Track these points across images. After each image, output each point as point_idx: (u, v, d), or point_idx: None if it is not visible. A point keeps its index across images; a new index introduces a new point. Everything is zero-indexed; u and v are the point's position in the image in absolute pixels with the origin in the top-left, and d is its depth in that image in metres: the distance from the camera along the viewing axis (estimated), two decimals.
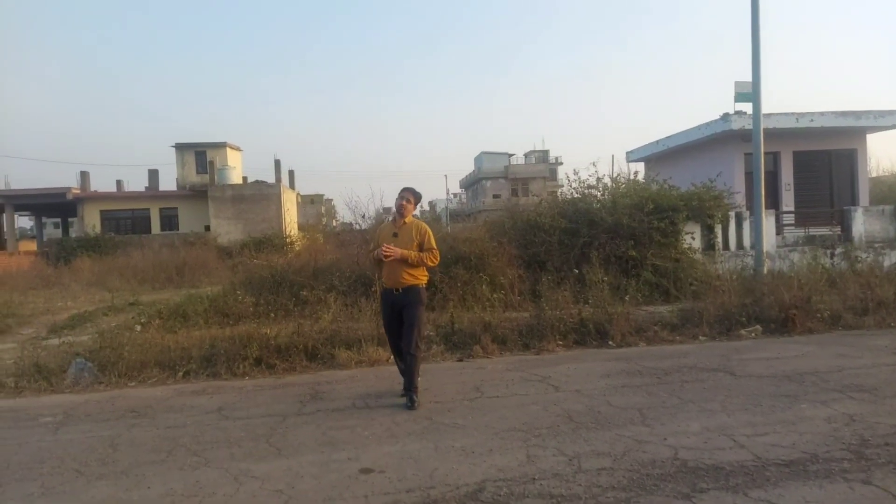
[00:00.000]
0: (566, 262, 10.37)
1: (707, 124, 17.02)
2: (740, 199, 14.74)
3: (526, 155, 63.67)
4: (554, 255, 10.54)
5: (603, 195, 11.96)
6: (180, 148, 33.74)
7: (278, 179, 34.16)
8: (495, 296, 8.95)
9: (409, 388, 5.18)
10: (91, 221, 31.00)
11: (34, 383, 6.32)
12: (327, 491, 3.47)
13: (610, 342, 7.51)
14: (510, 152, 61.73)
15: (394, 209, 5.52)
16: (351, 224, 17.63)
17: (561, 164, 65.18)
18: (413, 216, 5.53)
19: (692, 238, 11.66)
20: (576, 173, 12.49)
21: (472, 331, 7.52)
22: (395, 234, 5.30)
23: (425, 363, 6.78)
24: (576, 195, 12.31)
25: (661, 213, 10.96)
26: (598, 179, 12.22)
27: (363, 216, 13.22)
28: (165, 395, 5.87)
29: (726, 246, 12.74)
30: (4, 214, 33.36)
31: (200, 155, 33.51)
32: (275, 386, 6.11)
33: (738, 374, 5.93)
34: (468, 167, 68.86)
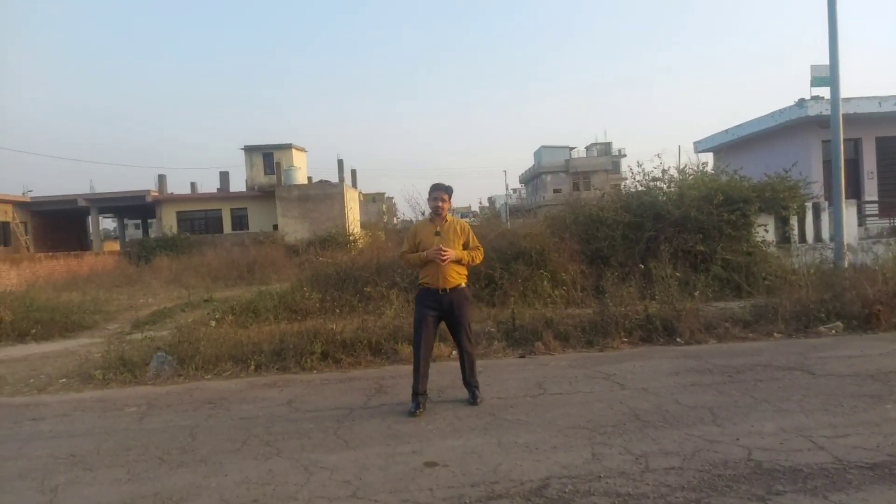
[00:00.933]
0: (630, 257, 10.13)
1: (781, 111, 16.21)
2: (818, 188, 13.99)
3: (587, 148, 62.48)
4: (617, 249, 10.31)
5: (669, 187, 11.59)
6: (249, 150, 35.06)
7: (341, 179, 35.02)
8: (557, 292, 8.86)
9: (471, 384, 5.21)
10: (168, 222, 32.73)
11: (120, 375, 6.72)
12: (393, 483, 3.54)
13: (678, 339, 7.29)
14: (571, 145, 60.71)
15: (429, 210, 5.38)
16: (411, 221, 17.84)
17: (624, 156, 63.60)
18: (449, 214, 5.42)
19: (765, 231, 11.14)
20: (640, 165, 12.16)
21: (534, 327, 7.47)
22: (437, 234, 5.13)
23: (486, 359, 6.82)
24: (640, 188, 11.98)
25: (732, 205, 10.52)
26: (664, 171, 11.86)
27: (423, 213, 13.35)
28: (239, 387, 6.13)
29: (803, 239, 12.10)
30: (90, 217, 35.69)
31: (268, 156, 34.71)
32: (341, 380, 6.27)
33: (816, 372, 5.64)
34: (527, 162, 68.22)
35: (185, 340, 7.33)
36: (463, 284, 5.20)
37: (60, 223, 35.81)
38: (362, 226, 34.75)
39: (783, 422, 4.30)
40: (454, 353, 7.16)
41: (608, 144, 63.01)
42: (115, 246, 38.99)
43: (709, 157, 20.65)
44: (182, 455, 4.23)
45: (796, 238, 11.98)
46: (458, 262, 5.08)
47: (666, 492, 3.26)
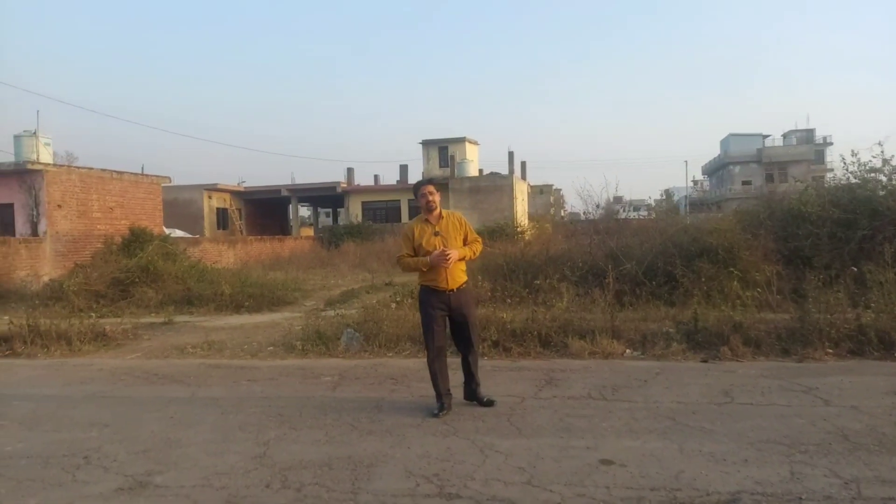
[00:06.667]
0: (838, 259, 8.94)
1: None
2: None
3: (784, 135, 56.11)
4: (822, 249, 9.15)
5: (890, 180, 10.02)
6: (426, 144, 36.88)
7: (511, 171, 35.35)
8: (748, 293, 8.09)
9: (477, 385, 5.04)
10: (354, 211, 35.70)
11: (316, 347, 7.51)
12: (568, 476, 3.53)
13: None
14: (764, 133, 54.94)
15: (421, 208, 5.05)
16: (579, 214, 17.46)
17: (830, 144, 56.08)
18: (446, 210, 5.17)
19: None
20: (854, 155, 10.64)
21: (719, 330, 6.91)
22: (437, 233, 4.87)
23: (663, 360, 6.51)
24: (853, 180, 10.50)
25: None
26: (886, 161, 10.24)
27: (597, 206, 12.99)
28: (416, 366, 6.49)
29: None
30: (290, 205, 40.11)
31: (443, 150, 36.22)
32: (511, 368, 6.37)
33: None
34: (712, 151, 63.00)
35: (370, 320, 7.97)
36: (468, 281, 5.06)
37: (267, 210, 40.73)
38: (530, 217, 34.80)
39: None
40: (627, 351, 6.94)
41: (810, 131, 55.99)
42: (310, 232, 43.29)
43: None
44: (370, 424, 4.62)
45: None
46: (462, 259, 4.89)
47: None
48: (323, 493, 3.43)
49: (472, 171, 35.16)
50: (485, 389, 5.44)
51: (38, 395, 5.88)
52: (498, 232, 24.63)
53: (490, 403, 4.96)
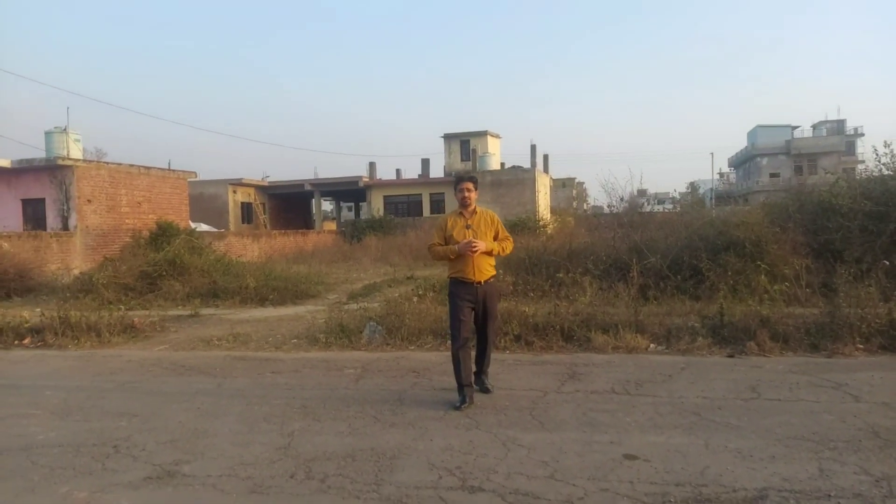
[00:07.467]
0: (870, 252, 8.73)
1: None
2: None
3: (814, 126, 54.84)
4: (853, 243, 8.94)
5: None
6: (447, 138, 36.85)
7: (533, 164, 35.17)
8: (776, 287, 7.95)
9: (485, 374, 5.31)
10: (376, 205, 35.81)
11: (339, 340, 7.56)
12: (591, 471, 3.51)
13: None
14: (793, 124, 53.72)
15: (458, 202, 5.20)
16: (602, 207, 17.31)
17: (861, 135, 54.71)
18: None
19: None
20: (887, 146, 10.35)
21: (746, 325, 6.80)
22: (468, 227, 5.05)
23: (688, 356, 6.44)
24: (886, 172, 10.22)
25: None
26: None
27: (621, 199, 12.83)
28: (440, 360, 6.51)
29: None
30: (313, 199, 40.40)
31: (465, 143, 36.18)
32: (533, 362, 6.35)
33: None
34: (738, 143, 61.86)
35: (392, 313, 8.00)
36: (495, 276, 5.21)
37: (290, 204, 41.08)
38: (552, 211, 34.61)
39: None
40: (651, 346, 6.88)
41: (841, 122, 54.71)
42: (333, 226, 43.54)
43: None
44: (393, 416, 4.64)
45: None
46: (489, 253, 5.04)
47: None
48: (346, 484, 3.46)
49: (494, 164, 35.05)
50: (507, 382, 5.50)
51: (68, 386, 6.03)
52: (520, 226, 24.57)
53: (486, 391, 5.21)
